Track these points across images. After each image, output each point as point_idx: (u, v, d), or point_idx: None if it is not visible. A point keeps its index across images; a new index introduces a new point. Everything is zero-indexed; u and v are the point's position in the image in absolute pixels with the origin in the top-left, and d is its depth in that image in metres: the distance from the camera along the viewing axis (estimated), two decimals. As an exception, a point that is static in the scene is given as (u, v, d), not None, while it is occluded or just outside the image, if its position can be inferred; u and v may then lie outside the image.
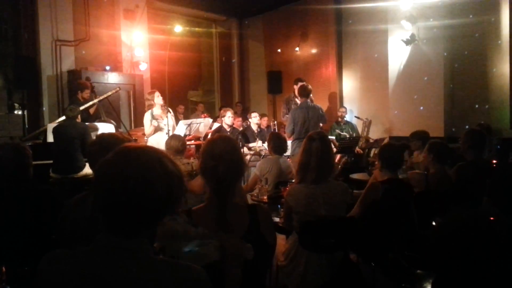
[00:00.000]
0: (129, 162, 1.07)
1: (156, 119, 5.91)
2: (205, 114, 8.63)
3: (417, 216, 3.07)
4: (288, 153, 5.55)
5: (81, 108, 5.94)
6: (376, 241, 2.94)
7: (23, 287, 1.88)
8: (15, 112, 6.90)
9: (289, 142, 5.94)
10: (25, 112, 7.10)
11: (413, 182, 3.31)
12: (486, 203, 2.17)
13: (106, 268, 1.03)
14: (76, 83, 7.10)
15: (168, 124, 5.91)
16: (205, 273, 1.09)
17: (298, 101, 7.05)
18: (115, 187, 1.04)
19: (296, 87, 7.21)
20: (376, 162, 3.25)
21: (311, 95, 6.43)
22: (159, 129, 5.96)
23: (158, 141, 5.73)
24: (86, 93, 6.66)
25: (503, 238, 1.89)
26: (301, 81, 7.19)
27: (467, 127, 6.61)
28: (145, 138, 6.01)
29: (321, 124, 6.21)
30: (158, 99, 5.98)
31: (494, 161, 4.36)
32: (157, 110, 5.98)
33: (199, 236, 1.65)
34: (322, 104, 8.71)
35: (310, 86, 6.37)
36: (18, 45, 7.40)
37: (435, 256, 2.07)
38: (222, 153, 1.82)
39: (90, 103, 6.50)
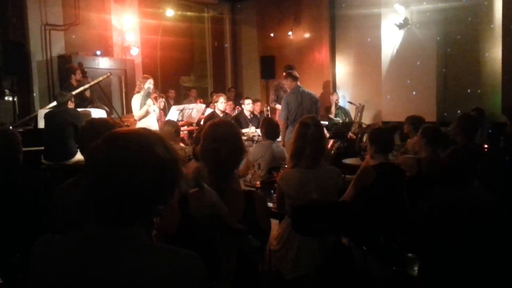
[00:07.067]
0: (117, 147, 1.02)
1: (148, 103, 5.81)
2: (200, 100, 8.57)
3: (409, 201, 3.09)
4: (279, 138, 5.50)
5: (74, 93, 5.86)
6: (367, 225, 2.96)
7: (14, 273, 1.87)
8: (5, 98, 6.79)
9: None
10: (15, 98, 7.00)
11: (405, 167, 3.32)
12: (476, 186, 2.19)
13: (98, 257, 1.00)
14: (65, 68, 7.03)
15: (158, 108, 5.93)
16: (200, 259, 1.07)
17: (287, 88, 6.98)
18: (102, 173, 1.00)
19: (285, 74, 7.11)
20: (368, 147, 3.25)
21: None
22: (148, 112, 5.86)
23: (148, 125, 5.65)
24: (79, 75, 6.62)
25: (491, 220, 1.91)
26: (291, 68, 7.02)
27: (459, 111, 6.64)
28: (135, 119, 5.91)
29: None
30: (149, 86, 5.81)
31: (486, 146, 4.39)
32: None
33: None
34: (315, 89, 8.67)
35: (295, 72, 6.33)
36: (6, 29, 7.25)
37: (422, 237, 2.09)
38: (224, 137, 1.81)
39: (81, 88, 6.43)
